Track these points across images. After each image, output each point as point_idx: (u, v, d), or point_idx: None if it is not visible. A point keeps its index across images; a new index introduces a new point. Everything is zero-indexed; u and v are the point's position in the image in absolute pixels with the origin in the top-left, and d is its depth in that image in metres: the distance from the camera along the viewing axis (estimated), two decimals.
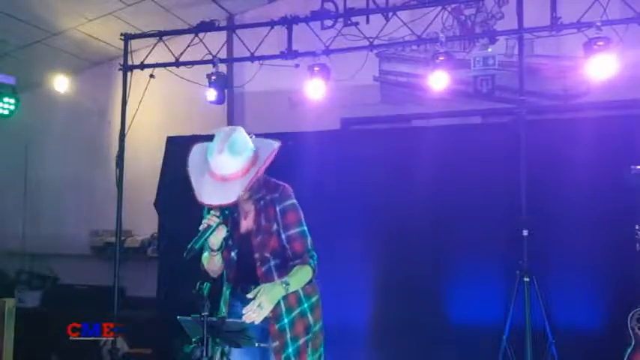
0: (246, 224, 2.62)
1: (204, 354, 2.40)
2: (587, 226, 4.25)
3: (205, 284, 2.44)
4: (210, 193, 2.41)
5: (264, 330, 2.55)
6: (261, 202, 2.57)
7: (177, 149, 5.45)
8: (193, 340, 2.44)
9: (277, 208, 2.55)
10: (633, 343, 3.82)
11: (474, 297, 4.47)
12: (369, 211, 4.74)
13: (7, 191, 7.39)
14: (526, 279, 4.08)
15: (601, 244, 4.22)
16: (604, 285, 4.23)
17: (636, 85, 5.19)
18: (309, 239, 2.58)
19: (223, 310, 2.68)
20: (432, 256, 4.60)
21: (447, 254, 4.58)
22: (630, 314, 3.86)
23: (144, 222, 6.43)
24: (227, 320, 2.44)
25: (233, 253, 2.61)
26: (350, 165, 4.83)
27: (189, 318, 2.45)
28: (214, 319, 2.41)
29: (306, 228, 2.59)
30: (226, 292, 2.69)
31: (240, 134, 2.46)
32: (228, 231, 2.49)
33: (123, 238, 5.89)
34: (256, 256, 2.55)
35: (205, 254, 2.62)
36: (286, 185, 2.62)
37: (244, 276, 2.60)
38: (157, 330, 5.16)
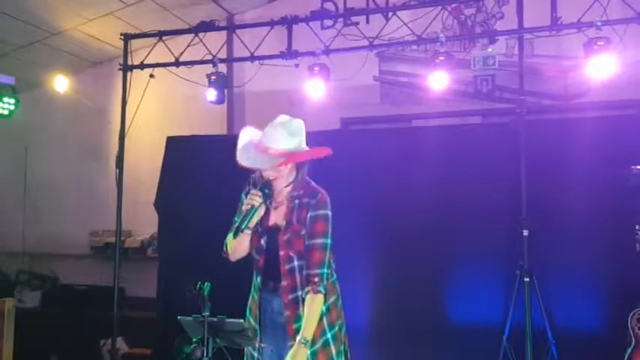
0: (275, 217, 2.63)
1: (205, 354, 2.40)
2: (588, 226, 4.24)
3: (206, 284, 2.44)
4: (247, 158, 2.55)
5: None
6: (296, 202, 2.59)
7: (177, 149, 5.45)
8: (194, 340, 2.44)
9: (309, 214, 2.56)
10: (633, 344, 3.82)
11: (474, 297, 4.46)
12: (369, 211, 4.73)
13: (7, 191, 7.39)
14: (526, 279, 4.08)
15: (601, 245, 4.21)
16: (604, 285, 4.22)
17: (637, 85, 5.19)
18: (328, 253, 2.56)
19: (255, 296, 2.70)
20: (432, 256, 4.58)
21: (447, 254, 4.57)
22: (630, 314, 3.85)
23: (144, 222, 6.42)
24: (227, 320, 2.44)
25: (262, 241, 2.62)
26: (350, 165, 4.81)
27: (189, 318, 2.46)
28: (215, 319, 2.41)
29: (329, 241, 2.58)
30: (257, 279, 2.70)
31: (301, 124, 2.65)
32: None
33: (123, 238, 5.88)
34: (281, 253, 2.57)
35: (230, 236, 2.63)
36: (324, 193, 2.62)
37: (271, 266, 2.61)
38: (157, 330, 5.16)
